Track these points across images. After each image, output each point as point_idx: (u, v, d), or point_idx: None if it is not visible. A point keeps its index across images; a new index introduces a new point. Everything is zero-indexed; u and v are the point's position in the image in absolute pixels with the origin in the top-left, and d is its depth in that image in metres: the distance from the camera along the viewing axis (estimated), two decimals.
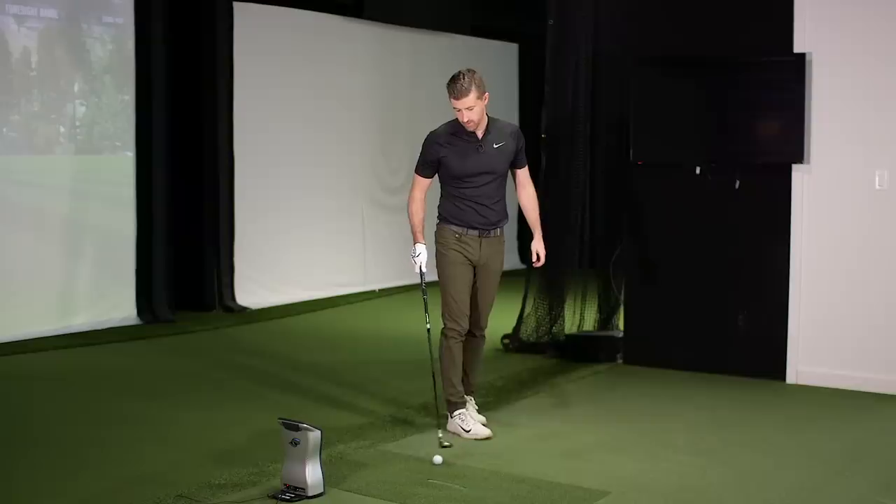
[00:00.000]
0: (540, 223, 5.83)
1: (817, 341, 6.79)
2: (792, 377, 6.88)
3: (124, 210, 8.84)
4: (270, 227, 10.07)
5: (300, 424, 4.54)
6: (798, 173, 6.79)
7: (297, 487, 4.53)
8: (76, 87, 8.64)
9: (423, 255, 5.61)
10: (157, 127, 8.94)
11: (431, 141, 5.52)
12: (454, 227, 5.56)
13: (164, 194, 9.02)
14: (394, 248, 11.48)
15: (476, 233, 5.56)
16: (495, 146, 5.47)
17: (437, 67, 11.95)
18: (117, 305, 8.77)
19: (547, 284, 7.79)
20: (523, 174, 5.74)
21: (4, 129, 8.17)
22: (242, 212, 9.74)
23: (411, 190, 5.63)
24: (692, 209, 7.18)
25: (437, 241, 5.63)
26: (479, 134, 5.48)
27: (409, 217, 5.62)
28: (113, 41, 8.78)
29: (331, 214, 10.75)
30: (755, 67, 6.85)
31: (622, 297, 7.67)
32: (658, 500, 4.64)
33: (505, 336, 8.02)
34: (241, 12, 9.64)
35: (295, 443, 4.53)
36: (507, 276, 11.76)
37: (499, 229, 5.63)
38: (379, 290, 10.96)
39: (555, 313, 7.77)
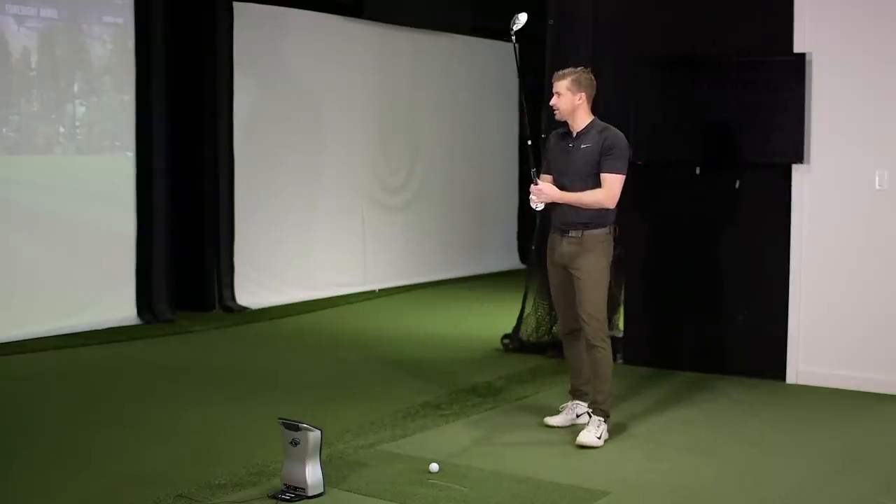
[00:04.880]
0: (575, 198, 5.45)
1: (817, 341, 6.79)
2: (792, 377, 6.88)
3: (124, 210, 8.84)
4: (270, 227, 10.06)
5: (300, 424, 4.54)
6: (798, 173, 6.79)
7: (297, 487, 4.53)
8: (76, 87, 8.64)
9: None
10: (157, 127, 8.93)
11: (546, 140, 5.82)
12: (552, 230, 5.74)
13: (164, 194, 9.01)
14: (394, 248, 11.50)
15: (559, 233, 5.64)
16: (582, 147, 5.52)
17: (437, 67, 12.00)
18: (117, 305, 8.77)
19: (547, 284, 7.78)
20: (602, 178, 5.45)
21: (4, 129, 8.17)
22: (242, 212, 9.74)
23: None
24: (692, 209, 7.18)
25: None
26: (574, 134, 5.58)
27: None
28: (113, 41, 8.78)
29: (331, 214, 10.75)
30: (755, 67, 6.85)
31: (622, 297, 7.66)
32: (658, 499, 4.64)
33: (505, 336, 8.03)
34: (241, 12, 9.63)
35: (295, 443, 4.53)
36: (508, 276, 11.99)
37: (580, 232, 5.52)
38: (379, 290, 10.96)
39: (555, 313, 7.75)
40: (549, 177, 5.66)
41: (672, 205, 7.24)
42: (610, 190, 5.44)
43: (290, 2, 10.18)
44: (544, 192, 5.51)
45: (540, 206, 5.58)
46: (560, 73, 5.64)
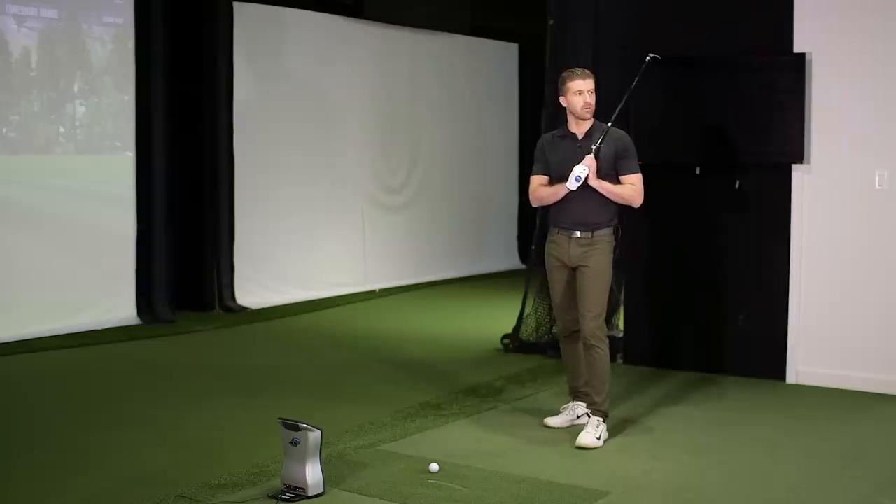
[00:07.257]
0: (610, 188, 5.51)
1: (817, 341, 6.79)
2: (792, 377, 6.88)
3: (124, 210, 8.84)
4: (270, 227, 10.06)
5: (300, 424, 4.54)
6: (798, 173, 6.79)
7: (297, 487, 4.53)
8: (76, 87, 8.64)
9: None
10: (157, 127, 8.93)
11: (538, 144, 5.80)
12: (551, 230, 5.74)
13: (164, 194, 9.01)
14: (394, 248, 11.50)
15: (566, 233, 5.63)
16: (593, 147, 5.52)
17: (437, 67, 12.01)
18: (117, 305, 8.77)
19: (547, 284, 7.78)
20: (627, 179, 5.58)
21: (4, 129, 8.17)
22: (242, 212, 9.74)
23: (529, 192, 5.80)
24: (692, 209, 7.18)
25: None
26: (581, 135, 5.61)
27: (541, 201, 5.73)
28: (113, 41, 8.78)
29: (331, 214, 10.75)
30: (755, 67, 6.85)
31: (622, 297, 7.66)
32: (658, 500, 4.65)
33: (505, 336, 8.03)
34: (241, 12, 9.64)
35: (295, 443, 4.53)
36: (507, 276, 11.99)
37: (590, 232, 5.57)
38: (379, 290, 10.96)
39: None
40: (546, 177, 5.66)
41: (672, 205, 7.24)
42: (638, 188, 5.60)
43: (290, 2, 10.19)
44: (593, 168, 5.46)
45: (576, 186, 5.44)
46: (585, 71, 5.65)
